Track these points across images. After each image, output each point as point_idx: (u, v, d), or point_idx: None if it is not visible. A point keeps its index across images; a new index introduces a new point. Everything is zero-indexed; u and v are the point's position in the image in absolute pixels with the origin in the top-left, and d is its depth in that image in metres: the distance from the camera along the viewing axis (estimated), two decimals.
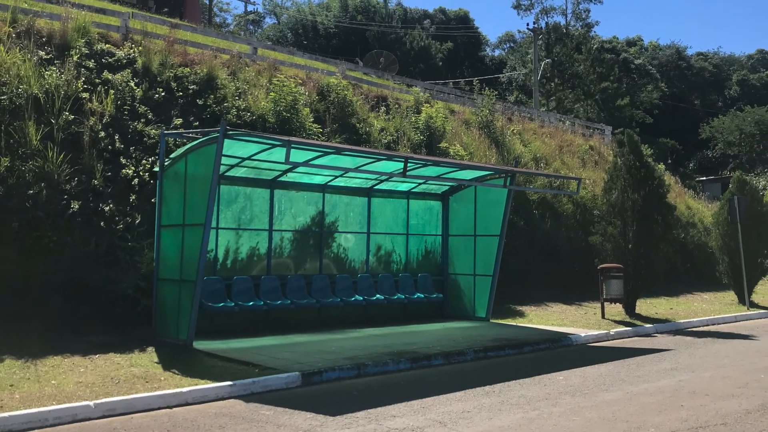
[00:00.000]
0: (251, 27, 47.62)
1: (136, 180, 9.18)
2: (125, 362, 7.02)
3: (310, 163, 9.24)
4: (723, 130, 40.03)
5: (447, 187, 12.39)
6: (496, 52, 51.16)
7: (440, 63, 42.82)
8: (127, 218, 8.82)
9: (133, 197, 9.06)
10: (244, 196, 10.19)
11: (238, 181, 10.04)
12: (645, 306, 13.56)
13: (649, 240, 12.56)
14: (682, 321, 12.41)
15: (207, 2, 36.86)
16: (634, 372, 7.59)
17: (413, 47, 41.78)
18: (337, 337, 9.44)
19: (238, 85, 11.76)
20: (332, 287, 10.80)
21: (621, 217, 12.76)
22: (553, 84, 39.70)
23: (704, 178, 34.88)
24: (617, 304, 12.58)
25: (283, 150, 7.93)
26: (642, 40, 52.48)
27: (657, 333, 11.46)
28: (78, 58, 9.81)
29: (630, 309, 12.75)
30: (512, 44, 50.11)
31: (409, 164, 9.31)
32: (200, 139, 8.25)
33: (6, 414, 5.21)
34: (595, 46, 41.49)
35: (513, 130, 17.81)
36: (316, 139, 11.41)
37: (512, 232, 13.28)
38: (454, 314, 12.04)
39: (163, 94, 10.48)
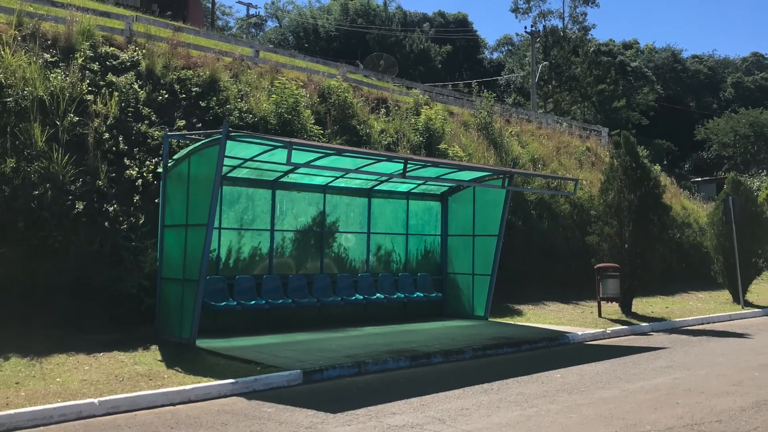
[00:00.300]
0: (253, 30, 47.73)
1: (139, 181, 9.28)
2: (129, 360, 7.11)
3: (312, 164, 9.36)
4: (718, 132, 40.38)
5: (446, 188, 12.52)
6: (495, 55, 51.39)
7: (439, 66, 43.01)
8: (131, 218, 8.92)
9: (137, 198, 9.15)
10: (246, 197, 10.31)
11: (241, 181, 10.15)
12: (641, 305, 13.69)
13: (645, 240, 12.71)
14: (677, 320, 12.54)
15: (210, 6, 36.96)
16: (631, 370, 7.69)
17: (413, 50, 41.98)
18: (338, 335, 9.54)
19: (240, 87, 11.87)
20: (333, 286, 10.91)
21: (617, 218, 12.91)
22: (550, 86, 39.89)
23: (699, 179, 35.09)
24: (614, 303, 12.71)
25: (285, 151, 8.04)
26: (638, 43, 52.79)
27: (653, 331, 11.58)
28: (82, 61, 9.90)
29: (626, 308, 12.88)
30: (510, 47, 50.35)
31: (408, 165, 9.44)
32: (203, 141, 8.36)
33: (12, 411, 5.29)
34: (592, 48, 41.76)
35: (511, 131, 17.96)
36: (317, 141, 11.54)
37: (510, 232, 13.41)
38: (453, 313, 12.16)
39: (166, 96, 10.59)
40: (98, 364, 6.85)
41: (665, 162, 37.39)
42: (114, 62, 10.48)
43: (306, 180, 10.86)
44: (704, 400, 6.13)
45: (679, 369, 7.77)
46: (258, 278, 10.07)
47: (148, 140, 9.78)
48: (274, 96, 11.78)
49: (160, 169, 9.08)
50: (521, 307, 12.76)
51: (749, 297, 15.71)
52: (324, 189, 11.22)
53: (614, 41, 49.31)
